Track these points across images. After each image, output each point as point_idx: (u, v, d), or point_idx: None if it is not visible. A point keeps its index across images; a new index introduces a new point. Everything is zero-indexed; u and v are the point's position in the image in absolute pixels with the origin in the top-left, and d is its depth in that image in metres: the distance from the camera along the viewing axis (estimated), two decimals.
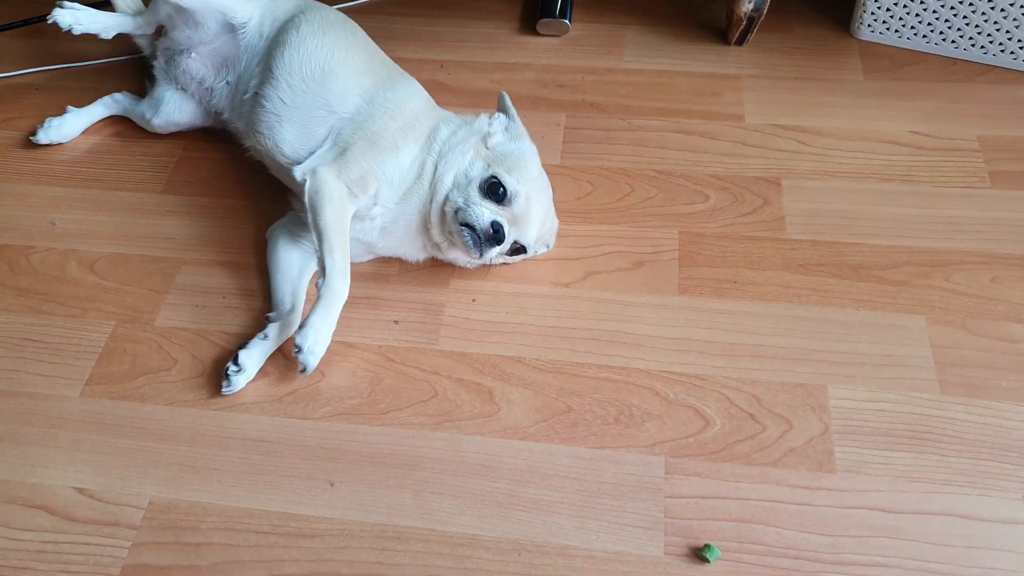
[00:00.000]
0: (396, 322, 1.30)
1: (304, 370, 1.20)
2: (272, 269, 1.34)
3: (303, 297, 1.31)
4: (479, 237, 1.21)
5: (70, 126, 1.61)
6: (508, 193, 1.24)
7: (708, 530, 1.06)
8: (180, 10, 1.42)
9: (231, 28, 1.44)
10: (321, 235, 1.21)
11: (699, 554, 1.04)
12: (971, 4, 1.49)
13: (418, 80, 1.63)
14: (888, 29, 1.59)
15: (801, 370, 1.20)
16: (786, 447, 1.13)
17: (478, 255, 1.22)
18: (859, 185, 1.41)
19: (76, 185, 1.53)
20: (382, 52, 1.42)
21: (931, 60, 1.59)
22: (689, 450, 1.13)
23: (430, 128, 1.28)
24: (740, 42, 1.63)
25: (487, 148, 1.29)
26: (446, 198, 1.25)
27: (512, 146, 1.31)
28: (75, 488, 1.15)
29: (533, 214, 1.26)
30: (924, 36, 1.57)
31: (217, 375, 1.24)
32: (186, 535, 1.10)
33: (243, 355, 1.23)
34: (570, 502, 1.10)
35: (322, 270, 1.20)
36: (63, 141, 1.61)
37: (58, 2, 1.50)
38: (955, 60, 1.57)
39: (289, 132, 1.29)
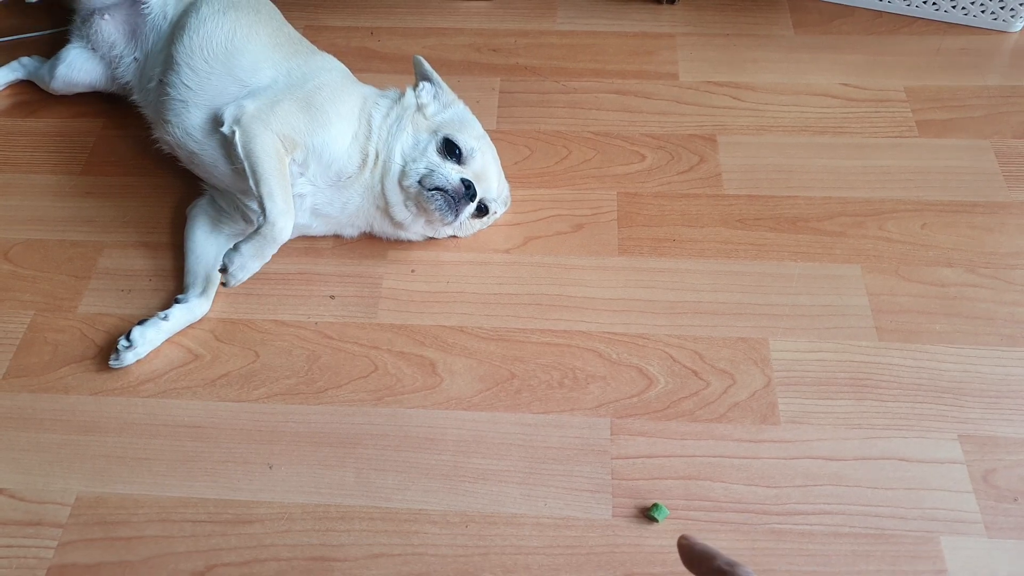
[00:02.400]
0: (332, 297, 1.23)
1: (226, 284, 1.14)
2: (188, 250, 1.25)
3: (216, 283, 1.22)
4: (452, 198, 1.15)
5: None
6: (464, 150, 1.19)
7: (655, 489, 1.03)
8: None
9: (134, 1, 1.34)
10: (260, 179, 1.11)
11: (647, 514, 1.01)
12: None
13: (348, 48, 1.55)
14: None
15: (742, 324, 1.17)
16: (730, 402, 1.10)
17: (453, 217, 1.16)
18: (793, 139, 1.38)
19: None
20: (290, 27, 1.32)
21: (858, 13, 1.56)
22: (633, 410, 1.09)
23: (359, 107, 1.21)
24: (672, 1, 1.58)
25: (426, 119, 1.22)
26: (403, 172, 1.18)
27: (449, 112, 1.25)
28: None
29: (490, 168, 1.23)
30: None
31: (148, 363, 1.16)
32: (117, 530, 1.02)
33: (136, 332, 1.15)
34: (517, 470, 1.05)
35: (262, 211, 1.10)
36: None
37: None
38: (881, 13, 1.54)
39: (197, 116, 1.19)
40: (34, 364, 1.18)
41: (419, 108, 1.24)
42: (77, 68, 1.43)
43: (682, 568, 0.96)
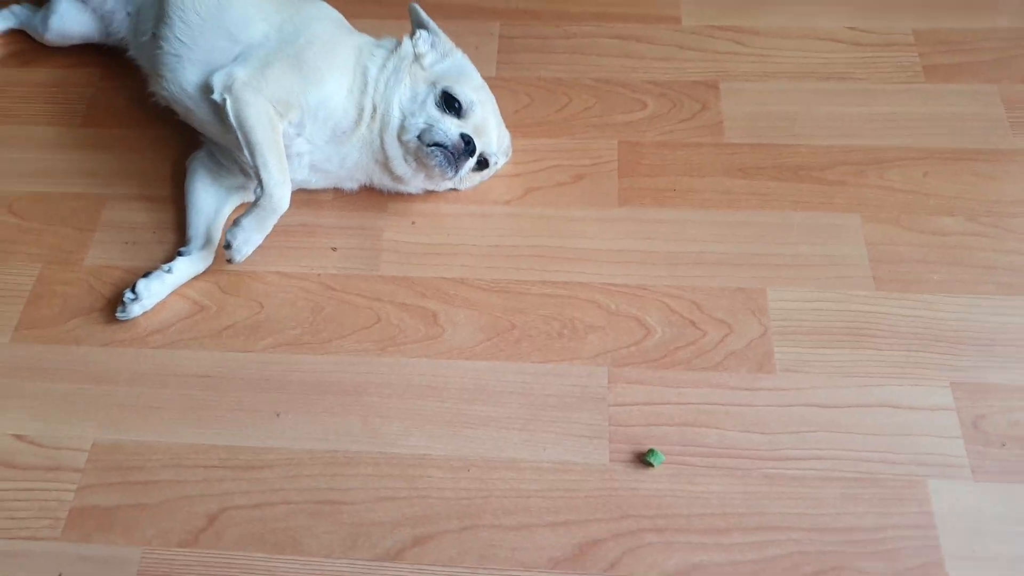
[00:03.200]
0: (334, 249, 1.26)
1: (230, 260, 1.19)
2: (188, 203, 1.28)
3: (219, 235, 1.25)
4: (452, 153, 1.17)
5: None
6: (463, 104, 1.20)
7: (651, 436, 1.07)
8: None
9: None
10: (254, 150, 1.14)
11: (643, 459, 1.05)
12: None
13: None
14: None
15: (741, 275, 1.19)
16: (726, 351, 1.13)
17: (453, 172, 1.18)
18: (797, 85, 1.38)
19: None
20: None
21: None
22: (631, 359, 1.13)
23: (354, 59, 1.21)
24: None
25: (423, 69, 1.23)
26: (402, 127, 1.19)
27: (447, 61, 1.26)
28: (13, 435, 1.11)
29: (490, 121, 1.24)
30: None
31: (155, 315, 1.20)
32: (132, 475, 1.08)
33: (141, 284, 1.19)
34: (517, 416, 1.10)
35: (259, 182, 1.14)
36: None
37: None
38: None
39: (191, 72, 1.20)
40: (44, 316, 1.22)
41: (416, 58, 1.24)
42: (70, 20, 1.43)
43: (675, 511, 1.01)
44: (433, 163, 1.18)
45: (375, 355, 1.16)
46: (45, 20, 1.46)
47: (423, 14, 1.27)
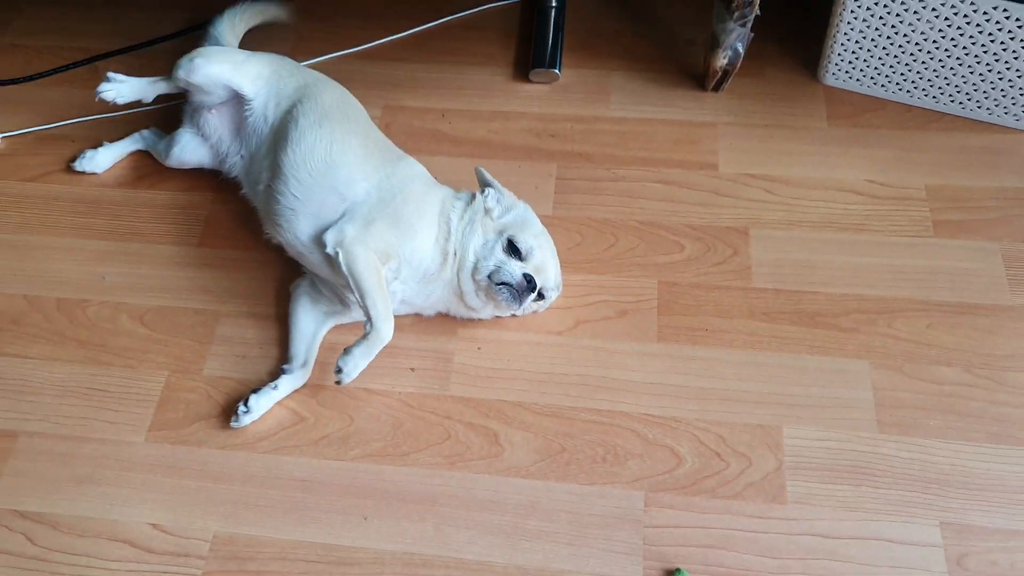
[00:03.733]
0: (412, 369, 1.49)
1: (339, 383, 1.39)
2: (291, 325, 1.52)
3: (315, 354, 1.49)
4: (516, 290, 1.40)
5: (102, 157, 1.79)
6: (523, 250, 1.43)
7: (679, 555, 1.28)
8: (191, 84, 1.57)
9: (239, 99, 1.59)
10: (364, 294, 1.36)
11: None
12: (923, 55, 1.62)
13: (422, 129, 1.78)
14: (851, 76, 1.72)
15: (761, 412, 1.39)
16: (745, 481, 1.33)
17: (517, 306, 1.41)
18: (818, 235, 1.58)
19: (118, 239, 1.69)
20: (377, 131, 1.56)
21: (889, 107, 1.73)
22: (665, 485, 1.34)
23: (438, 211, 1.45)
24: (716, 89, 1.77)
25: (492, 221, 1.47)
26: (475, 267, 1.43)
27: (511, 213, 1.49)
28: (150, 524, 1.36)
29: (548, 262, 1.47)
30: (882, 84, 1.71)
31: (262, 423, 1.44)
32: (247, 564, 1.32)
33: (253, 399, 1.43)
34: (565, 532, 1.31)
35: (368, 319, 1.36)
36: (96, 171, 1.79)
37: (105, 77, 1.65)
38: (910, 107, 1.71)
39: (305, 223, 1.44)
40: (171, 419, 1.47)
41: (486, 212, 1.48)
42: (189, 152, 1.70)
43: None
44: (501, 298, 1.41)
45: (445, 468, 1.38)
46: (168, 149, 1.72)
47: (487, 175, 1.51)
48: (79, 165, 1.78)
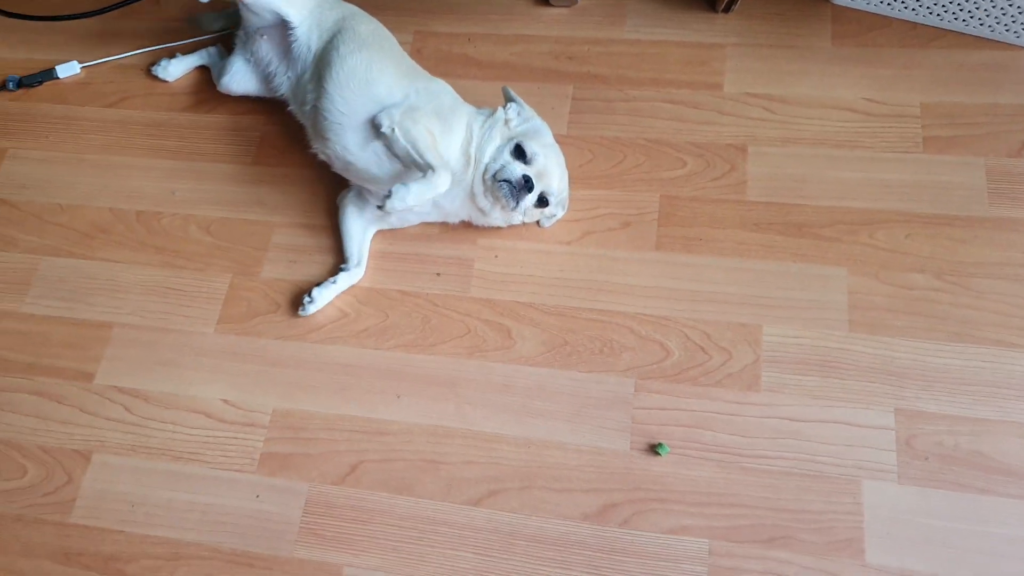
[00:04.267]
0: (438, 275, 1.70)
1: (381, 207, 1.50)
2: (343, 231, 1.74)
3: (367, 254, 1.72)
4: (514, 188, 1.56)
5: (175, 67, 2.03)
6: (528, 153, 1.59)
7: (662, 432, 1.49)
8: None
9: (284, 24, 1.75)
10: (423, 151, 1.53)
11: (654, 450, 1.47)
12: None
13: (451, 54, 1.94)
14: None
15: (744, 312, 1.57)
16: (725, 372, 1.52)
17: (515, 203, 1.57)
18: (813, 151, 1.70)
19: (184, 158, 1.92)
20: (408, 58, 1.73)
21: (894, 25, 1.80)
22: (653, 374, 1.54)
23: (465, 123, 1.62)
24: (727, 10, 1.85)
25: (509, 130, 1.63)
26: (486, 168, 1.61)
27: (527, 124, 1.65)
28: (221, 399, 1.64)
29: (551, 168, 1.61)
30: (888, 3, 1.77)
31: (312, 318, 1.69)
32: (300, 433, 1.59)
33: (316, 291, 1.68)
34: (565, 411, 1.54)
35: (430, 168, 1.51)
36: (168, 80, 2.03)
37: None
38: (915, 25, 1.77)
39: (351, 134, 1.63)
40: (235, 314, 1.73)
41: (505, 122, 1.64)
42: (237, 81, 1.90)
43: (674, 488, 1.43)
44: (501, 194, 1.58)
45: (465, 357, 1.61)
46: (220, 75, 1.93)
47: (511, 92, 1.66)
48: (155, 70, 2.02)
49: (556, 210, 1.68)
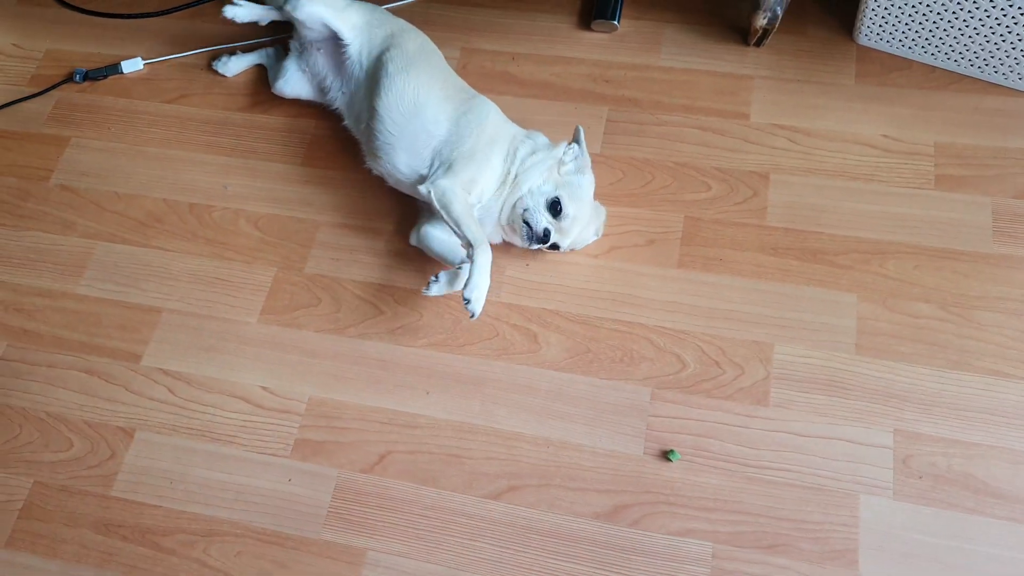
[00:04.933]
0: None
1: (472, 316, 1.58)
2: (446, 254, 1.74)
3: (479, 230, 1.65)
4: (532, 234, 1.67)
5: (234, 64, 2.14)
6: (563, 213, 1.67)
7: (674, 440, 1.59)
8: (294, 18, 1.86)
9: (337, 40, 1.86)
10: (458, 223, 1.60)
11: (666, 455, 1.57)
12: (948, 16, 1.76)
13: (494, 71, 2.05)
14: (882, 37, 1.88)
15: (758, 331, 1.66)
16: (737, 387, 1.62)
17: (527, 244, 1.69)
18: (831, 182, 1.79)
19: (238, 155, 2.04)
20: (453, 74, 1.83)
21: (914, 67, 1.89)
22: (669, 384, 1.64)
23: (508, 143, 1.72)
24: (758, 45, 1.96)
25: (559, 174, 1.71)
26: (519, 199, 1.69)
27: (577, 178, 1.71)
28: (260, 386, 1.75)
29: (574, 230, 1.69)
30: (910, 46, 1.86)
31: (349, 314, 1.79)
32: (333, 422, 1.69)
33: (443, 275, 1.65)
34: (584, 415, 1.63)
35: (468, 245, 1.59)
36: (227, 75, 2.14)
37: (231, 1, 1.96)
38: (934, 68, 1.87)
39: (402, 156, 1.74)
40: (278, 306, 1.84)
41: (560, 163, 1.73)
42: (291, 85, 2.01)
43: (682, 493, 1.52)
44: (519, 229, 1.68)
45: (493, 359, 1.72)
46: (275, 78, 2.04)
47: (583, 136, 1.72)
48: (216, 65, 2.14)
49: (588, 236, 1.75)
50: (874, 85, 1.89)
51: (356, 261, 1.86)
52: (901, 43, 1.87)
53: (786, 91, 1.92)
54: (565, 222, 1.69)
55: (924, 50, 1.85)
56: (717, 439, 1.58)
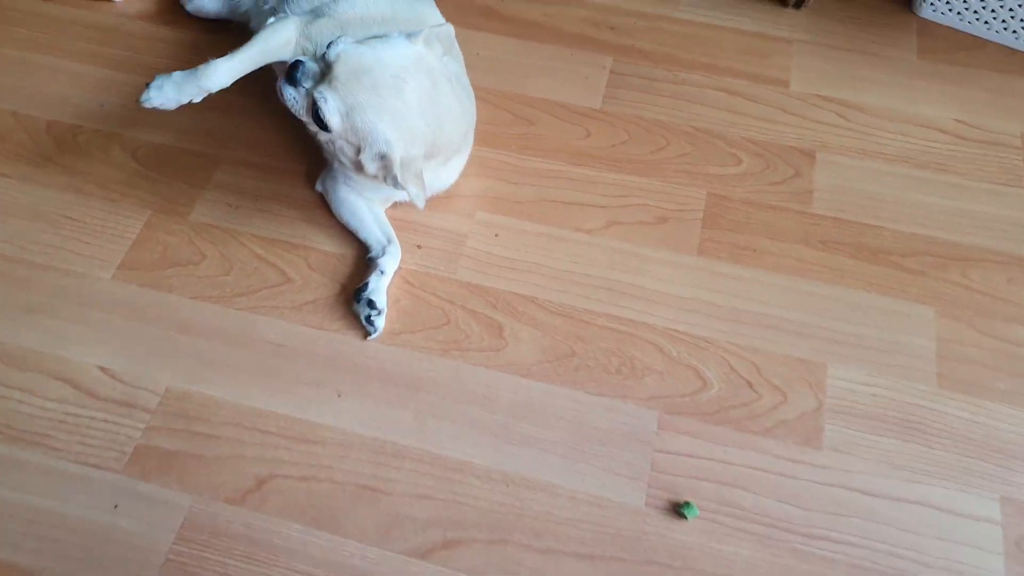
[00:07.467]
0: (419, 247, 1.23)
1: (140, 100, 1.15)
2: (348, 218, 1.23)
3: (390, 228, 1.22)
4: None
5: None
6: (334, 48, 1.04)
7: (691, 488, 1.02)
8: None
9: None
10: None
11: (678, 510, 1.00)
12: None
13: (472, 3, 1.52)
14: (950, 10, 1.43)
15: (803, 345, 1.13)
16: (778, 418, 1.07)
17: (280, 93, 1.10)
18: (892, 168, 1.30)
19: (126, 71, 1.44)
20: None
21: (989, 48, 1.44)
22: (684, 408, 1.08)
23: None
24: (798, 5, 1.48)
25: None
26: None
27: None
28: (99, 367, 1.12)
29: (361, 85, 1.02)
30: (986, 22, 1.42)
31: (245, 279, 1.20)
32: (196, 425, 1.08)
33: (376, 298, 1.14)
34: (562, 442, 1.06)
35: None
36: None
37: None
38: (1014, 51, 1.42)
39: None
40: (145, 260, 1.23)
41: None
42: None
43: (700, 567, 0.96)
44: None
45: (438, 354, 1.13)
46: None
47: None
48: None
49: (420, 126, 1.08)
50: (939, 63, 1.42)
51: (261, 211, 1.27)
52: (976, 16, 1.41)
53: (833, 59, 1.43)
54: (335, 65, 1.03)
55: (1005, 26, 1.40)
56: (751, 491, 1.02)
